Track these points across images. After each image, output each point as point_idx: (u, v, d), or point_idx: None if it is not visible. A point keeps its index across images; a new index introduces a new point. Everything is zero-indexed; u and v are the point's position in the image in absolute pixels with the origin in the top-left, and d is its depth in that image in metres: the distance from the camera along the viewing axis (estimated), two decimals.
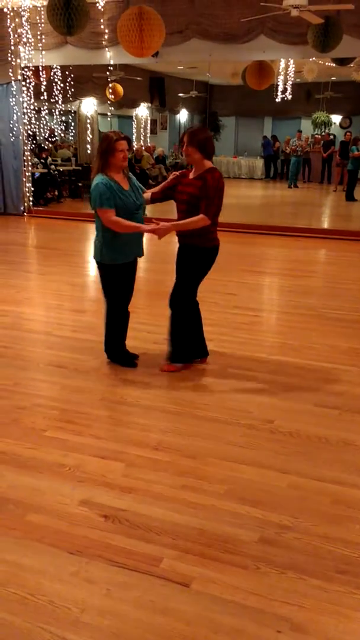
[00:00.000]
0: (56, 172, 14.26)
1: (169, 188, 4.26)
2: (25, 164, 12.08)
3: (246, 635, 2.06)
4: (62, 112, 15.40)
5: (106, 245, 4.10)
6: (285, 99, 14.61)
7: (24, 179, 12.12)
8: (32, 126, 12.39)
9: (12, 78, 11.40)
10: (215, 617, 2.13)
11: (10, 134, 11.80)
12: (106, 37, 10.26)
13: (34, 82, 11.54)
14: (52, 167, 14.20)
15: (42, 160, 13.82)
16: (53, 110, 13.66)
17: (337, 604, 2.20)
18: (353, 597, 2.24)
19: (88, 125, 16.60)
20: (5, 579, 2.30)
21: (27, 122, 11.93)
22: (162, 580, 2.30)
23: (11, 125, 11.73)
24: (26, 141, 12.05)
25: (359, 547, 2.51)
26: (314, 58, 11.69)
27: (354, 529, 2.63)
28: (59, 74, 12.13)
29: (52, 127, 15.97)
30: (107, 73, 12.45)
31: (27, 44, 10.77)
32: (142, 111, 19.45)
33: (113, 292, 4.25)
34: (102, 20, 10.08)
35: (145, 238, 4.34)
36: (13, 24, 10.79)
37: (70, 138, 17.65)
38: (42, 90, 11.79)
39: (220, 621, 2.11)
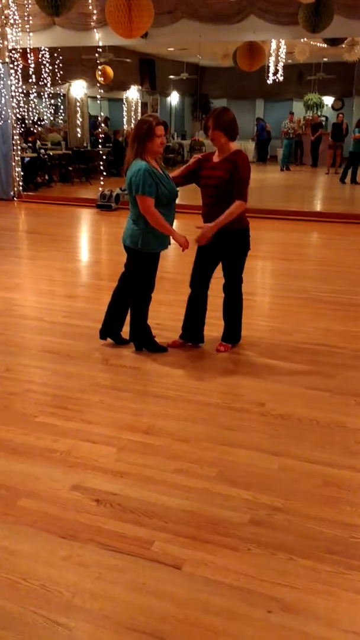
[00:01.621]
0: (46, 156, 14.12)
1: (192, 172, 4.18)
2: (15, 148, 11.96)
3: (237, 615, 2.08)
4: (51, 95, 15.22)
5: (149, 234, 4.00)
6: (277, 80, 14.52)
7: (14, 164, 12.00)
8: (21, 110, 12.24)
9: (0, 61, 11.24)
10: (207, 598, 2.15)
11: None
12: (95, 17, 10.12)
13: (22, 65, 11.38)
14: (42, 151, 14.07)
15: (29, 144, 13.68)
16: (42, 93, 13.50)
17: (327, 584, 2.22)
18: (343, 577, 2.26)
19: (78, 109, 16.42)
20: None
21: (16, 106, 11.79)
22: (153, 563, 2.31)
23: None
24: (15, 125, 11.91)
25: (349, 528, 2.54)
26: (305, 39, 11.58)
27: (345, 510, 2.65)
28: (48, 56, 11.97)
29: (41, 110, 15.79)
30: (97, 55, 12.28)
31: (14, 26, 10.61)
32: (133, 94, 19.26)
33: (147, 279, 4.19)
34: (90, 1, 9.93)
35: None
36: (0, 5, 10.62)
37: (60, 121, 17.46)
38: (31, 72, 11.65)
39: (212, 602, 2.13)
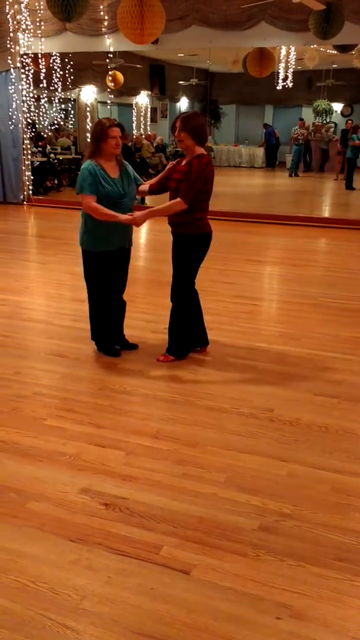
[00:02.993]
0: (55, 160, 14.18)
1: (165, 178, 4.21)
2: (25, 152, 12.02)
3: (246, 621, 2.07)
4: (61, 100, 15.30)
5: (88, 232, 4.11)
6: (286, 86, 14.52)
7: (24, 168, 12.06)
8: (32, 114, 12.31)
9: (11, 65, 11.31)
10: (215, 604, 2.14)
11: (10, 122, 11.72)
12: (106, 24, 10.18)
13: (33, 70, 11.45)
14: (52, 155, 14.13)
15: (39, 149, 13.74)
16: (52, 98, 13.58)
17: (335, 591, 2.22)
18: (352, 584, 2.25)
19: (88, 114, 16.49)
20: (6, 566, 2.31)
21: (27, 110, 11.85)
22: (162, 568, 2.31)
23: (10, 114, 11.65)
24: (25, 129, 11.98)
25: (358, 535, 2.53)
26: (315, 45, 11.58)
27: (353, 517, 2.64)
28: (58, 62, 12.03)
29: (52, 115, 15.88)
30: (107, 60, 12.36)
31: (26, 31, 10.69)
32: (142, 99, 19.32)
33: (93, 280, 4.24)
34: (101, 7, 10.00)
35: (136, 228, 4.32)
36: (12, 11, 10.71)
37: (70, 126, 17.54)
38: (42, 77, 11.71)
39: (220, 608, 2.13)
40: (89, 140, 4.13)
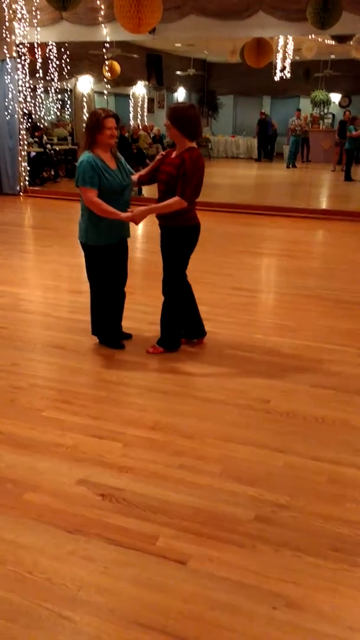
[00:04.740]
0: (52, 151, 14.12)
1: (155, 169, 4.16)
2: (21, 143, 11.96)
3: (242, 611, 2.08)
4: (58, 90, 15.22)
5: (92, 226, 4.04)
6: (284, 77, 14.46)
7: (20, 159, 12.01)
8: (28, 104, 12.24)
9: (7, 55, 11.24)
10: (212, 594, 2.16)
11: (6, 113, 11.65)
12: (102, 13, 10.11)
13: (29, 60, 11.37)
14: (48, 146, 14.07)
15: (36, 140, 13.68)
16: (49, 89, 13.50)
17: (331, 581, 2.23)
18: (347, 574, 2.27)
19: (84, 104, 16.40)
20: (3, 557, 2.32)
21: (23, 101, 11.78)
22: (159, 558, 2.32)
23: (6, 104, 11.58)
24: (22, 120, 11.91)
25: (354, 525, 2.54)
26: (313, 35, 11.54)
27: (349, 508, 2.65)
28: (55, 51, 11.96)
29: (48, 105, 15.79)
30: (104, 50, 12.28)
31: (22, 20, 10.60)
32: (139, 89, 19.23)
33: (97, 274, 4.21)
34: None
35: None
36: (7, 0, 10.61)
37: (67, 117, 17.45)
38: (38, 67, 11.64)
39: (217, 598, 2.14)
40: (83, 132, 4.06)
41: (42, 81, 12.23)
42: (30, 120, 13.35)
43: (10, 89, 11.47)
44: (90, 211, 3.99)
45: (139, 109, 19.44)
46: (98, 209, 3.92)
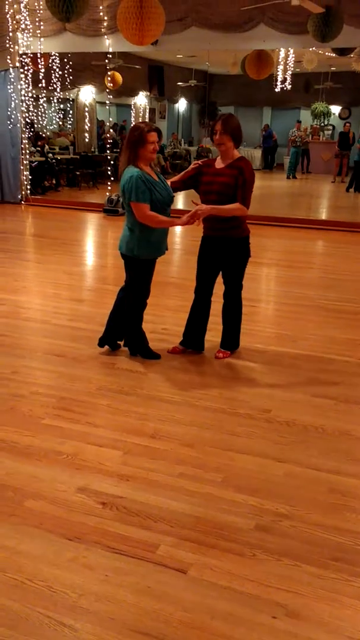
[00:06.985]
0: (54, 160, 14.19)
1: (191, 177, 4.18)
2: (23, 152, 12.02)
3: (242, 620, 2.08)
4: (60, 100, 15.31)
5: (144, 241, 4.00)
6: (285, 89, 14.56)
7: (22, 167, 12.06)
8: (30, 114, 12.31)
9: (10, 65, 11.32)
10: (212, 602, 2.15)
11: (8, 122, 11.72)
12: (105, 24, 10.19)
13: (32, 70, 11.45)
14: (50, 155, 14.13)
15: (38, 149, 13.75)
16: (51, 98, 13.58)
17: (331, 590, 2.23)
18: (347, 584, 2.27)
19: (86, 114, 16.50)
20: (3, 564, 2.31)
21: (25, 110, 11.86)
22: (159, 567, 2.32)
23: (9, 113, 11.65)
24: (24, 129, 11.98)
25: (354, 535, 2.54)
26: (314, 48, 11.62)
27: (349, 518, 2.66)
28: (58, 62, 12.04)
29: (51, 115, 15.88)
30: (106, 61, 12.36)
31: (26, 31, 10.69)
32: (141, 100, 19.34)
33: (143, 286, 4.22)
34: (101, 8, 10.01)
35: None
36: (11, 10, 10.71)
37: (69, 126, 17.55)
38: (40, 77, 11.72)
39: (217, 607, 2.14)
40: (124, 146, 3.98)
41: (44, 91, 12.30)
42: (32, 129, 13.42)
43: (13, 99, 11.54)
44: (142, 226, 3.94)
45: (140, 119, 19.53)
46: (153, 221, 3.91)
